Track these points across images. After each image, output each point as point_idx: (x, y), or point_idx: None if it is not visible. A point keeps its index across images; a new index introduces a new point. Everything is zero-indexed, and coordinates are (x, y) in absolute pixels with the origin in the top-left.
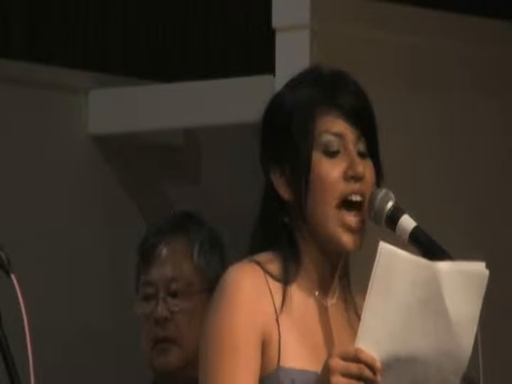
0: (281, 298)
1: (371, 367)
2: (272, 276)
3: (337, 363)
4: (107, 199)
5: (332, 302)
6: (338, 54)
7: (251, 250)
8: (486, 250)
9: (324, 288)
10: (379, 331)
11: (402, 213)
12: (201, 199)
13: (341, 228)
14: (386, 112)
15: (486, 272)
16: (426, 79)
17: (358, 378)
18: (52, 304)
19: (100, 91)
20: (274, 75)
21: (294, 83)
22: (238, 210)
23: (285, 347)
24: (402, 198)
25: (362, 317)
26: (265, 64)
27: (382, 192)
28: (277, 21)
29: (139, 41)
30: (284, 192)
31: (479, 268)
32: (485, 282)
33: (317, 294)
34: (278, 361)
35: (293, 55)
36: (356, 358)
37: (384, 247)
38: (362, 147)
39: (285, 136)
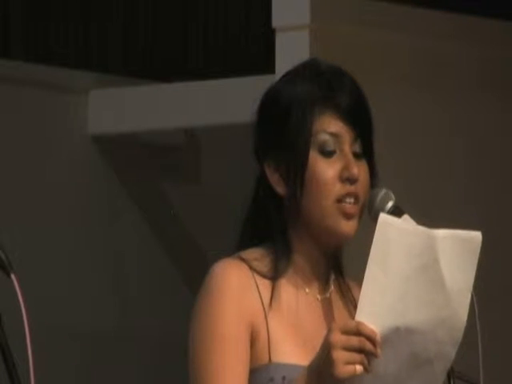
0: (269, 295)
1: (371, 340)
2: (259, 273)
3: (338, 337)
4: (107, 199)
5: (326, 295)
6: (337, 53)
7: (240, 244)
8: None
9: (317, 283)
10: (378, 304)
11: (402, 213)
12: (201, 199)
13: (339, 216)
14: (386, 111)
15: (480, 237)
16: (426, 79)
17: (359, 351)
18: (52, 304)
19: (100, 91)
20: (275, 75)
21: (292, 77)
22: (238, 210)
23: (274, 343)
24: (404, 198)
25: (362, 289)
26: (265, 64)
27: (382, 192)
28: (277, 21)
29: (139, 41)
30: (278, 186)
31: (473, 234)
32: (478, 247)
33: (307, 290)
34: (270, 356)
35: (293, 55)
36: (357, 331)
37: (382, 217)
38: (357, 148)
39: (281, 130)
